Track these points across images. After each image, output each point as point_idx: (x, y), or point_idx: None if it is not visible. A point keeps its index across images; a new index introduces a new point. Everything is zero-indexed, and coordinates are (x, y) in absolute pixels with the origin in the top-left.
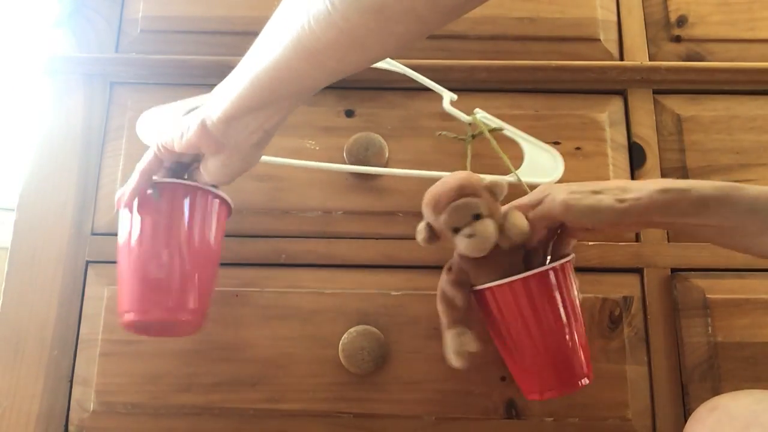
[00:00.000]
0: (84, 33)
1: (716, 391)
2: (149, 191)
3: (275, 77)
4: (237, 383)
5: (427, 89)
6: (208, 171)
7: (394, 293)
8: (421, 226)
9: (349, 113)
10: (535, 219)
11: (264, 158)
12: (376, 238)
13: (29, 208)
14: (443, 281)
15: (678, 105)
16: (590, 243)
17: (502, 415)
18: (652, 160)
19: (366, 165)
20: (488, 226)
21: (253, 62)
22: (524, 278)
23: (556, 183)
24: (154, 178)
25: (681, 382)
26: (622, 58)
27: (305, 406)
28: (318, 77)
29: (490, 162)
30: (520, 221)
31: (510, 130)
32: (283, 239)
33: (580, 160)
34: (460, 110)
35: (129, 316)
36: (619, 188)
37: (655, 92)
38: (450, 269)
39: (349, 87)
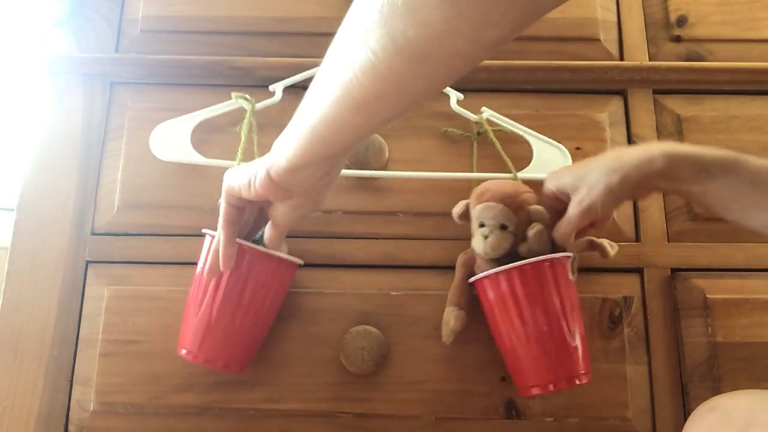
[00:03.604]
0: (84, 33)
1: (716, 391)
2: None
3: (332, 131)
4: (237, 383)
5: None
6: (277, 216)
7: (394, 293)
8: (462, 203)
9: None
10: (570, 229)
11: None
12: (376, 238)
13: (29, 208)
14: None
15: (678, 105)
16: None
17: (502, 415)
18: None
19: (366, 165)
20: (503, 241)
21: (310, 114)
22: (509, 269)
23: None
24: (238, 240)
25: (681, 382)
26: (622, 58)
27: (305, 406)
28: (372, 127)
29: (498, 160)
30: (542, 241)
31: (518, 128)
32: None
33: (581, 160)
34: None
35: (191, 355)
36: (622, 155)
37: (655, 92)
38: (467, 253)
39: None
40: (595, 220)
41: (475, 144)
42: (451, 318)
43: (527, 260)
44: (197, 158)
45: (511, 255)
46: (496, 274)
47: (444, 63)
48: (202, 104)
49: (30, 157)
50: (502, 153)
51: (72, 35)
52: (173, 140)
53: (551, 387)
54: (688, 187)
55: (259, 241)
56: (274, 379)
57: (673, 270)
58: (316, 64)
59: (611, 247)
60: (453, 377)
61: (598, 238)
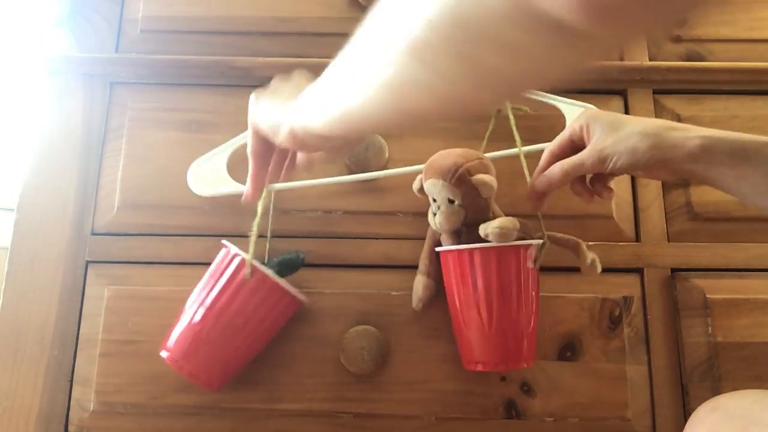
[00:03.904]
0: (84, 33)
1: (716, 391)
2: (245, 268)
3: (369, 124)
4: (237, 383)
5: None
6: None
7: (394, 293)
8: (419, 178)
9: None
10: (566, 171)
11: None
12: (376, 238)
13: (29, 208)
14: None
15: (678, 105)
16: (590, 243)
17: (502, 415)
18: None
19: (366, 165)
20: (452, 216)
21: (348, 97)
22: (473, 249)
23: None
24: (254, 262)
25: (681, 382)
26: (622, 58)
27: (305, 406)
28: (410, 125)
29: (525, 137)
30: (499, 229)
31: (545, 97)
32: (284, 239)
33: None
34: None
35: (169, 355)
36: (665, 127)
37: (655, 92)
38: None
39: None
40: (601, 175)
41: (492, 123)
42: (420, 287)
43: (493, 244)
44: (238, 187)
45: (469, 225)
46: (461, 251)
47: (524, 89)
48: (202, 104)
49: (30, 157)
50: (515, 129)
51: (72, 35)
52: (210, 175)
53: (496, 366)
54: (723, 171)
55: (283, 263)
56: (274, 379)
57: (673, 270)
58: (317, 64)
59: (595, 265)
60: (453, 377)
61: (593, 242)
